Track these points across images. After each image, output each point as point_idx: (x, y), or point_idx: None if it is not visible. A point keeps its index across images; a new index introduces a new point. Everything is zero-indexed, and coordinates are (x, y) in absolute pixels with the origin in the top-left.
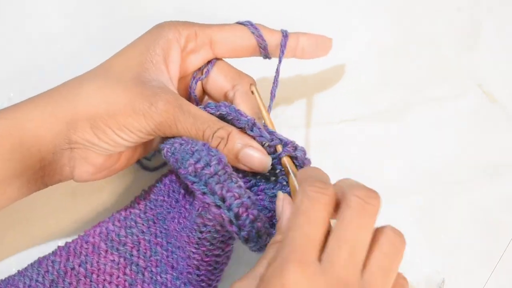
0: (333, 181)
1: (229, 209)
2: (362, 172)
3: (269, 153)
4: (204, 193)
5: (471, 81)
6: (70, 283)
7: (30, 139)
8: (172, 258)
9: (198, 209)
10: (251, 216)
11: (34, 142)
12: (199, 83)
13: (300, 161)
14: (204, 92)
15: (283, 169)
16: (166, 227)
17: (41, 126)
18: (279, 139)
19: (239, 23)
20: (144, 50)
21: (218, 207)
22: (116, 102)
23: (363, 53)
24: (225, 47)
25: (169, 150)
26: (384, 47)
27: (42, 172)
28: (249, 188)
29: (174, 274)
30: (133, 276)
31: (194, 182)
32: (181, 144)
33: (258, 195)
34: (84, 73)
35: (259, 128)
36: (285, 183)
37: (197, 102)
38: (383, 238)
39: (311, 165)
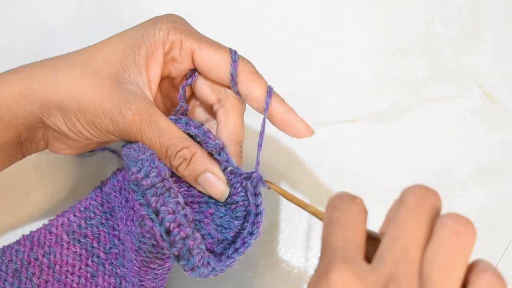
0: (333, 181)
1: (161, 223)
2: (362, 172)
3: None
4: (141, 204)
5: (471, 81)
6: (33, 273)
7: (8, 115)
8: (127, 250)
9: (138, 219)
10: (182, 233)
11: (11, 118)
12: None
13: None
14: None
15: (237, 200)
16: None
17: (16, 105)
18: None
19: (230, 50)
20: (128, 46)
21: (152, 220)
22: (87, 100)
23: (363, 53)
24: (202, 68)
25: (125, 152)
26: (384, 47)
27: (20, 146)
28: (199, 205)
29: (129, 268)
30: (94, 268)
31: (134, 191)
32: (134, 150)
33: (205, 217)
34: (63, 57)
35: (226, 154)
36: (235, 215)
37: (186, 109)
38: (442, 229)
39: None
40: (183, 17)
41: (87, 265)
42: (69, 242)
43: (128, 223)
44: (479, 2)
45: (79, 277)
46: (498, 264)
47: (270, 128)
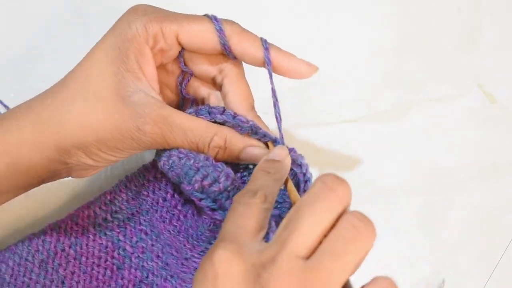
0: None
1: None
2: (363, 172)
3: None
4: (213, 210)
5: (471, 81)
6: (59, 264)
7: (26, 162)
8: (157, 248)
9: (209, 224)
10: None
11: (29, 165)
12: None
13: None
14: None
15: None
16: (149, 218)
17: (33, 152)
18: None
19: (207, 16)
20: (115, 56)
21: None
22: (102, 129)
23: (363, 53)
24: (192, 46)
25: (166, 163)
26: (384, 47)
27: (41, 182)
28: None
29: (160, 264)
30: (121, 260)
31: (201, 199)
32: (180, 158)
33: None
34: (58, 89)
35: (262, 130)
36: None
37: (192, 100)
38: (343, 222)
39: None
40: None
41: (113, 257)
42: (95, 234)
43: (175, 223)
44: (479, 2)
45: (105, 269)
46: (498, 264)
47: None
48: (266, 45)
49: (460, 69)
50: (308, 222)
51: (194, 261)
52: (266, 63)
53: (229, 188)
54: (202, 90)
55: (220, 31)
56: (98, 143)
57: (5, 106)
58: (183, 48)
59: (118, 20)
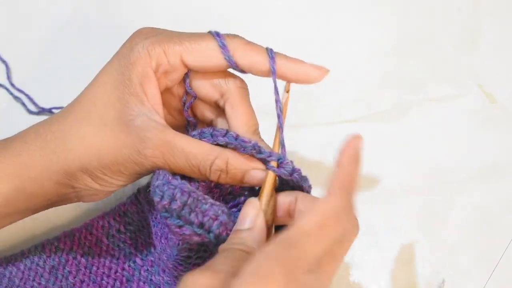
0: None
1: (209, 232)
2: (362, 172)
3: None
4: (180, 226)
5: (471, 81)
6: (69, 272)
7: (33, 185)
8: (163, 262)
9: (178, 244)
10: (228, 231)
11: (37, 188)
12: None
13: (295, 184)
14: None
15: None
16: (154, 231)
17: (40, 175)
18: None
19: (210, 33)
20: (119, 81)
21: (199, 234)
22: (106, 153)
23: (363, 53)
24: (197, 66)
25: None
26: (384, 48)
27: (50, 205)
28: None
29: (165, 278)
30: (130, 272)
31: (167, 218)
32: (153, 179)
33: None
34: (65, 113)
35: (265, 150)
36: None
37: (195, 124)
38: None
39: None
40: (181, 18)
41: (123, 269)
42: (108, 245)
43: (163, 241)
44: (479, 2)
45: (115, 280)
46: (498, 264)
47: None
48: (272, 55)
49: (460, 69)
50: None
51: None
52: (271, 72)
53: (188, 202)
54: (208, 113)
55: (223, 47)
56: (102, 167)
57: (36, 104)
58: (189, 70)
59: (122, 45)
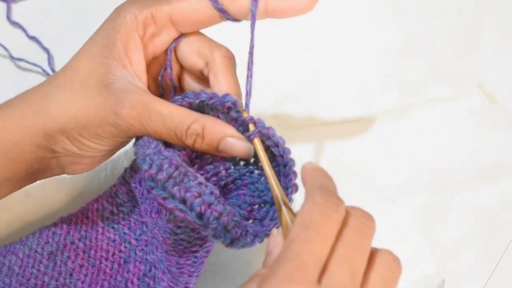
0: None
1: (191, 209)
2: (363, 173)
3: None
4: (164, 198)
5: (471, 82)
6: (68, 257)
7: (14, 149)
8: (156, 239)
9: (166, 214)
10: (214, 213)
11: (18, 152)
12: (175, 66)
13: (272, 143)
14: (183, 69)
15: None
16: (144, 209)
17: (21, 139)
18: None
19: None
20: (102, 45)
21: (181, 210)
22: (84, 115)
23: (364, 54)
24: (187, 23)
25: (135, 151)
26: (385, 49)
27: (32, 175)
28: (233, 181)
29: (159, 255)
30: (127, 253)
31: (152, 188)
32: (141, 146)
33: (241, 189)
34: (50, 79)
35: (241, 108)
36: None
37: (175, 88)
38: (381, 261)
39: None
40: None
41: (120, 251)
42: (103, 227)
43: (153, 215)
44: (479, 3)
45: (113, 262)
46: (498, 264)
47: None
48: None
49: (460, 70)
50: (360, 259)
51: (173, 255)
52: (251, 10)
53: (174, 175)
54: (194, 84)
55: None
56: (80, 128)
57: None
58: (178, 37)
59: (114, 10)
